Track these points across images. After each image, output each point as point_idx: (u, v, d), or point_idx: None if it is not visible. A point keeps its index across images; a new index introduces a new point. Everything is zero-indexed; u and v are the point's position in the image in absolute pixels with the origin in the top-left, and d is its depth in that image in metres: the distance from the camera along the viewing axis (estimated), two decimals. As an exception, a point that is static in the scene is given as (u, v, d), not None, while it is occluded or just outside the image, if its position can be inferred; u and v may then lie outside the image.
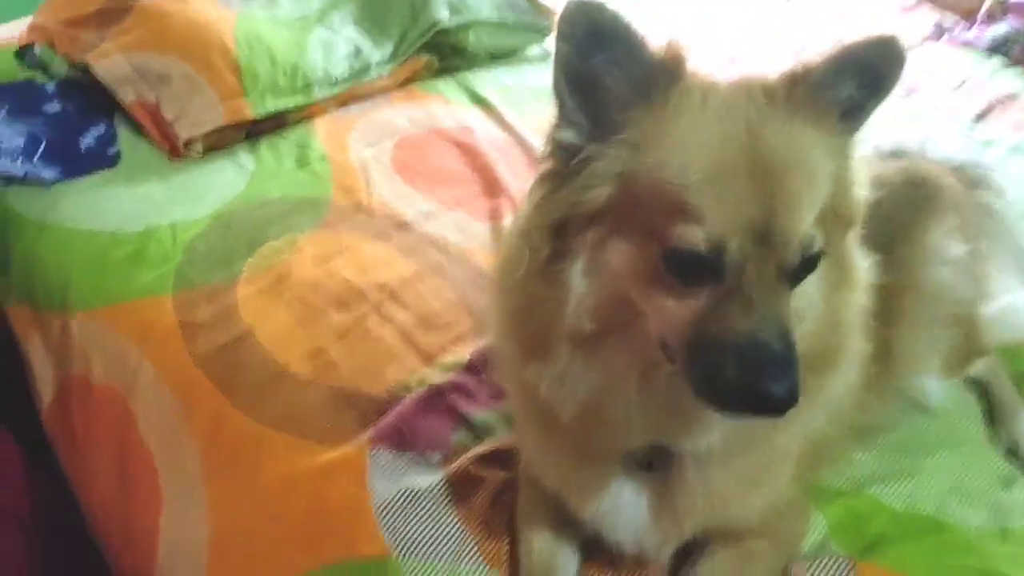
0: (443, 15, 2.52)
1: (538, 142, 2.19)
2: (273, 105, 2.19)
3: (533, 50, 2.73)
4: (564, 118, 0.99)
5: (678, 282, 0.94)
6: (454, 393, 1.56)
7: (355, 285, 1.77)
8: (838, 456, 1.48)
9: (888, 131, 1.66)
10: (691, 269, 0.92)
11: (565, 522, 1.33)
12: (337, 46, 2.37)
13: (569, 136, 0.99)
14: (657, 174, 0.93)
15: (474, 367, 1.61)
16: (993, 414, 1.63)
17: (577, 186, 0.97)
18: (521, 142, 2.29)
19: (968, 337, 1.62)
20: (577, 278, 1.00)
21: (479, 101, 2.47)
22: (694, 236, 0.90)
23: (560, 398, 1.09)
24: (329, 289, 1.75)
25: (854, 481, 1.49)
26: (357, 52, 2.40)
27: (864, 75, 0.99)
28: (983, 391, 1.67)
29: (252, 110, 2.15)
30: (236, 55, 2.15)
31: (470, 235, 1.96)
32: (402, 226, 1.96)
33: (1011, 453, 1.57)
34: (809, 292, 1.02)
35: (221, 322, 1.67)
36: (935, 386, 1.61)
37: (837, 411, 1.26)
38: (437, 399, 1.55)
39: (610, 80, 0.95)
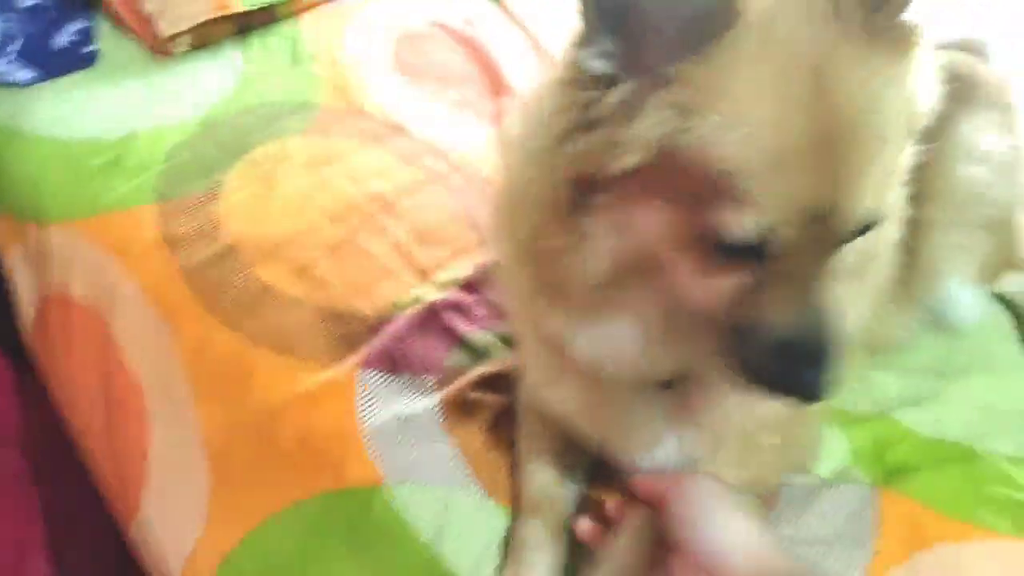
0: None
1: (556, 44, 2.06)
2: (262, -1, 2.04)
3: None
4: (591, 42, 0.82)
5: (718, 257, 0.83)
6: (450, 311, 1.46)
7: (347, 195, 1.65)
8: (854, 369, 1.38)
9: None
10: (734, 250, 0.82)
11: (568, 449, 1.25)
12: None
13: (599, 65, 0.82)
14: (706, 150, 0.78)
15: (473, 284, 1.51)
16: None
17: (606, 141, 0.82)
18: (534, 41, 2.13)
19: (1003, 245, 1.50)
20: (600, 234, 0.89)
21: (489, -8, 2.30)
22: (742, 223, 0.79)
23: (577, 341, 1.01)
24: (319, 200, 1.64)
25: (878, 404, 1.40)
26: (353, -61, 2.23)
27: None
28: (1017, 313, 1.55)
29: (240, 2, 2.00)
30: (221, -59, 1.99)
31: (474, 140, 1.83)
32: (400, 130, 1.84)
33: None
34: None
35: (204, 236, 1.57)
36: (964, 296, 1.50)
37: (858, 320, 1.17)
38: (432, 318, 1.45)
39: (652, 14, 0.77)
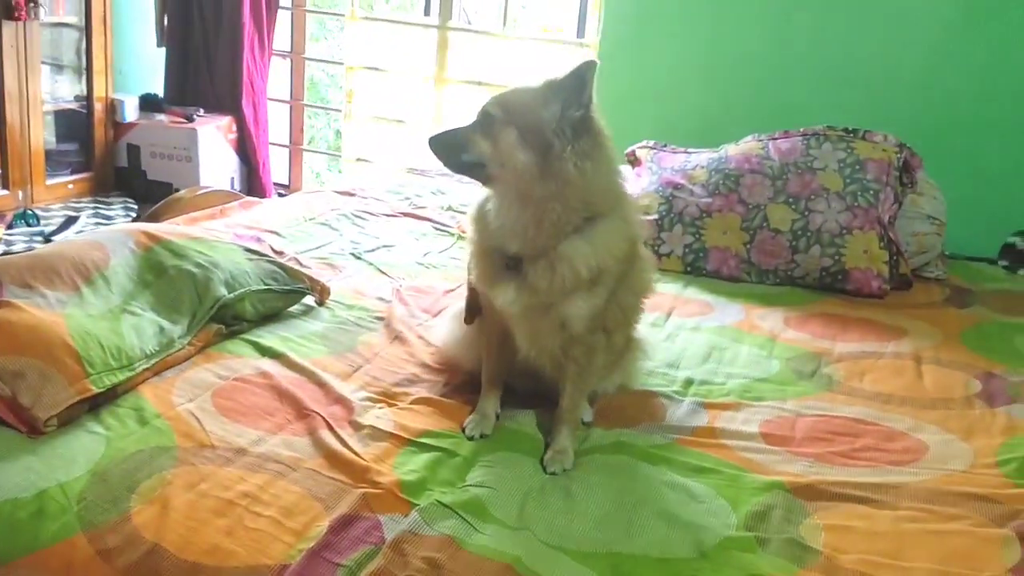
0: (222, 292, 3.24)
1: (325, 375, 2.89)
2: (110, 381, 2.72)
3: (296, 308, 3.51)
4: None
5: None
6: (326, 551, 2.15)
7: (225, 498, 2.30)
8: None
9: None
10: None
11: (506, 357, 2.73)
12: (145, 327, 2.97)
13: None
14: None
15: (335, 528, 2.21)
16: None
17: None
18: (310, 374, 2.99)
19: None
20: None
21: (265, 351, 3.15)
22: None
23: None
24: (205, 506, 2.27)
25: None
26: (161, 330, 3.01)
27: None
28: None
29: (95, 387, 2.67)
30: (75, 347, 2.68)
31: (296, 449, 2.58)
32: (240, 452, 2.54)
33: None
34: None
35: (130, 544, 2.14)
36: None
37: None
38: (313, 559, 2.13)
39: None
